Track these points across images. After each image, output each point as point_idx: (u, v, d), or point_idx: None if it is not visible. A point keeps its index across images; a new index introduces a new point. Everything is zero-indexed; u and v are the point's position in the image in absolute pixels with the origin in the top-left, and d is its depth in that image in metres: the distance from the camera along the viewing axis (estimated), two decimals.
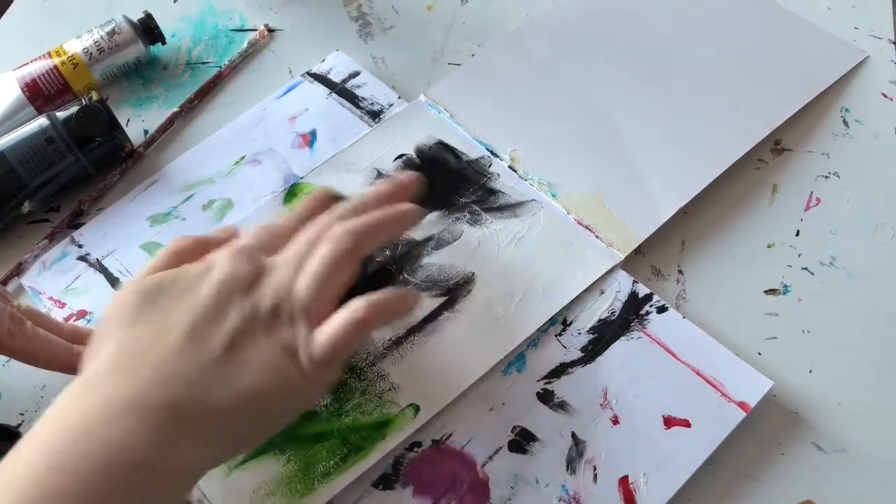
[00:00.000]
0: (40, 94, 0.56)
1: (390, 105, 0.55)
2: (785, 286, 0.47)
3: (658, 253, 0.49)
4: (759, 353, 0.45)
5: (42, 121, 0.51)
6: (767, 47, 0.57)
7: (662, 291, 0.47)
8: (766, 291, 0.47)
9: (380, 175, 0.52)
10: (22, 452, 0.32)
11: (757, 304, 0.47)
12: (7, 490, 0.30)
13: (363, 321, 0.35)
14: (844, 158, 0.52)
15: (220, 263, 0.37)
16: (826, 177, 0.51)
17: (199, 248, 0.39)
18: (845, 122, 0.53)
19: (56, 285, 0.49)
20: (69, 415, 0.32)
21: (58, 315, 0.48)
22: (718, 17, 0.59)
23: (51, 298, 0.48)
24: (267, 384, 0.34)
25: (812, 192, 0.51)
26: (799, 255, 0.48)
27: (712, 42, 0.57)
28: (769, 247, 0.49)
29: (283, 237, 0.39)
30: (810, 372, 0.44)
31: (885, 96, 0.54)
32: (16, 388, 0.46)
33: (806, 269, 0.48)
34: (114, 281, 0.49)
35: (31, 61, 0.57)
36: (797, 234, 0.49)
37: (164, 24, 0.60)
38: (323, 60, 0.58)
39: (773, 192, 0.51)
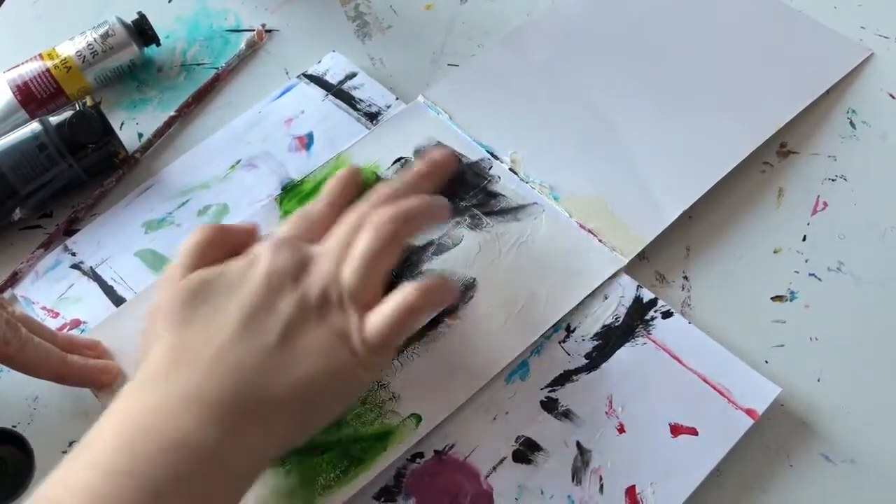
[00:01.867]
0: (32, 97, 0.55)
1: (388, 107, 0.54)
2: (792, 293, 0.46)
3: (663, 259, 0.48)
4: (766, 362, 0.44)
5: (34, 126, 0.50)
6: (770, 46, 0.56)
7: (667, 298, 0.46)
8: (772, 298, 0.46)
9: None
10: (87, 448, 0.32)
11: (764, 311, 0.46)
12: (80, 474, 0.31)
13: (413, 306, 0.36)
14: (852, 161, 0.51)
15: (265, 256, 0.37)
16: (833, 180, 0.50)
17: (225, 237, 0.39)
18: (852, 124, 0.53)
19: (49, 295, 0.48)
20: (133, 411, 0.33)
21: (51, 325, 0.47)
22: (721, 16, 0.58)
23: (44, 308, 0.48)
24: (323, 370, 0.35)
25: (819, 196, 0.50)
26: (806, 261, 0.47)
27: (715, 41, 0.56)
28: (775, 252, 0.48)
29: (323, 225, 0.40)
30: (818, 380, 0.43)
31: (893, 97, 0.53)
32: (8, 400, 0.45)
33: (813, 274, 0.47)
34: (108, 289, 0.48)
35: (23, 63, 0.56)
36: (804, 239, 0.48)
37: (158, 24, 0.59)
38: (319, 62, 0.57)
39: (779, 196, 0.50)
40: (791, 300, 0.46)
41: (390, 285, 0.45)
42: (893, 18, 0.57)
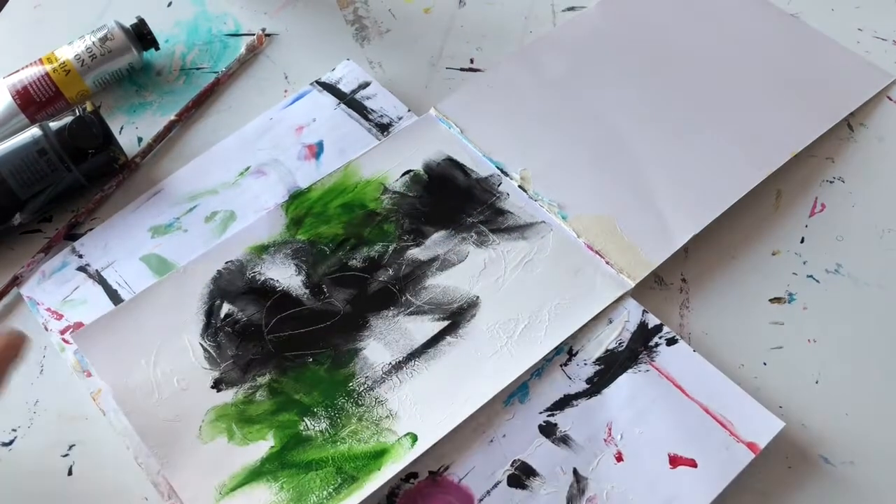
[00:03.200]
0: (32, 101, 0.55)
1: (399, 118, 0.54)
2: (790, 294, 0.46)
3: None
4: (765, 364, 0.44)
5: (34, 132, 0.50)
6: (789, 68, 0.55)
7: (665, 300, 0.46)
8: (770, 300, 0.46)
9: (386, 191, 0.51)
10: None
11: (762, 313, 0.46)
12: None
13: None
14: (849, 163, 0.51)
15: None
16: (831, 182, 0.51)
17: None
18: (850, 126, 0.53)
19: (54, 296, 0.48)
20: None
21: (55, 326, 0.47)
22: (741, 37, 0.57)
23: (48, 309, 0.48)
24: None
25: (817, 198, 0.50)
26: (804, 263, 0.48)
27: (733, 63, 0.55)
28: (774, 254, 0.48)
29: None
30: (816, 382, 0.43)
31: (891, 99, 0.54)
32: (8, 403, 0.45)
33: (811, 276, 0.47)
34: (112, 293, 0.48)
35: (22, 68, 0.56)
36: (802, 241, 0.48)
37: (158, 28, 0.59)
38: (333, 69, 0.57)
39: (777, 198, 0.50)
40: (789, 302, 0.46)
41: (392, 298, 0.46)
42: (891, 21, 0.57)
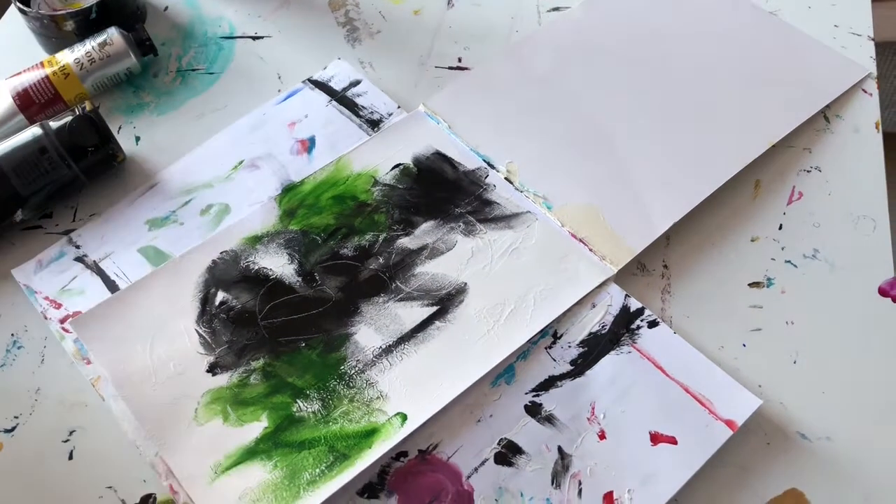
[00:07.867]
0: (31, 102, 0.56)
1: (390, 114, 0.56)
2: (769, 279, 0.48)
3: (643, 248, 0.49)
4: (744, 345, 0.45)
5: (35, 130, 0.51)
6: (768, 63, 0.57)
7: (647, 286, 0.48)
8: (750, 284, 0.48)
9: (375, 183, 0.52)
10: None
11: (741, 297, 0.47)
12: None
13: None
14: (826, 153, 0.53)
15: None
16: (808, 171, 0.52)
17: None
18: (826, 118, 0.54)
19: (52, 285, 0.49)
20: None
21: (54, 315, 0.48)
22: (721, 33, 0.59)
23: (46, 298, 0.49)
24: None
25: (794, 187, 0.52)
26: (782, 249, 0.49)
27: (713, 57, 0.57)
28: (753, 240, 0.49)
29: None
30: (794, 363, 0.45)
31: (866, 92, 0.55)
32: (11, 391, 0.46)
33: (789, 261, 0.48)
34: (110, 283, 0.49)
35: (24, 71, 0.58)
36: (780, 228, 0.50)
37: (154, 31, 0.60)
38: (325, 68, 0.59)
39: (756, 187, 0.52)
40: (768, 286, 0.48)
41: (383, 285, 0.47)
42: (865, 18, 0.59)
